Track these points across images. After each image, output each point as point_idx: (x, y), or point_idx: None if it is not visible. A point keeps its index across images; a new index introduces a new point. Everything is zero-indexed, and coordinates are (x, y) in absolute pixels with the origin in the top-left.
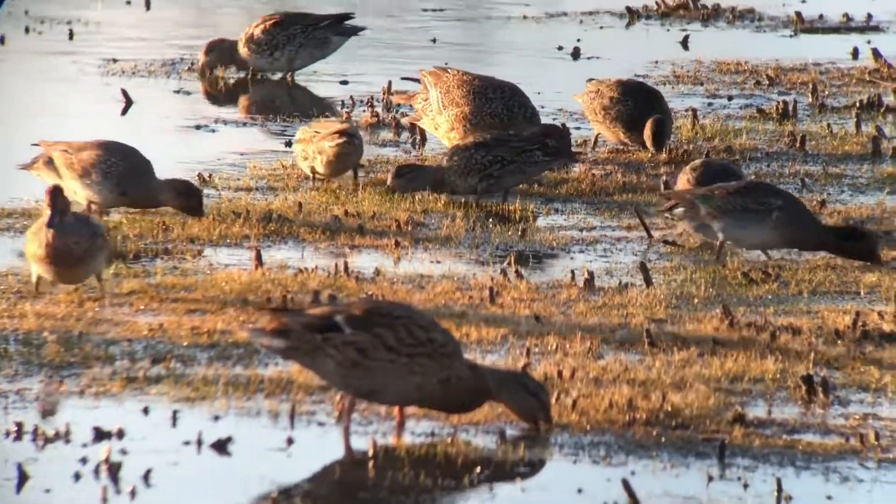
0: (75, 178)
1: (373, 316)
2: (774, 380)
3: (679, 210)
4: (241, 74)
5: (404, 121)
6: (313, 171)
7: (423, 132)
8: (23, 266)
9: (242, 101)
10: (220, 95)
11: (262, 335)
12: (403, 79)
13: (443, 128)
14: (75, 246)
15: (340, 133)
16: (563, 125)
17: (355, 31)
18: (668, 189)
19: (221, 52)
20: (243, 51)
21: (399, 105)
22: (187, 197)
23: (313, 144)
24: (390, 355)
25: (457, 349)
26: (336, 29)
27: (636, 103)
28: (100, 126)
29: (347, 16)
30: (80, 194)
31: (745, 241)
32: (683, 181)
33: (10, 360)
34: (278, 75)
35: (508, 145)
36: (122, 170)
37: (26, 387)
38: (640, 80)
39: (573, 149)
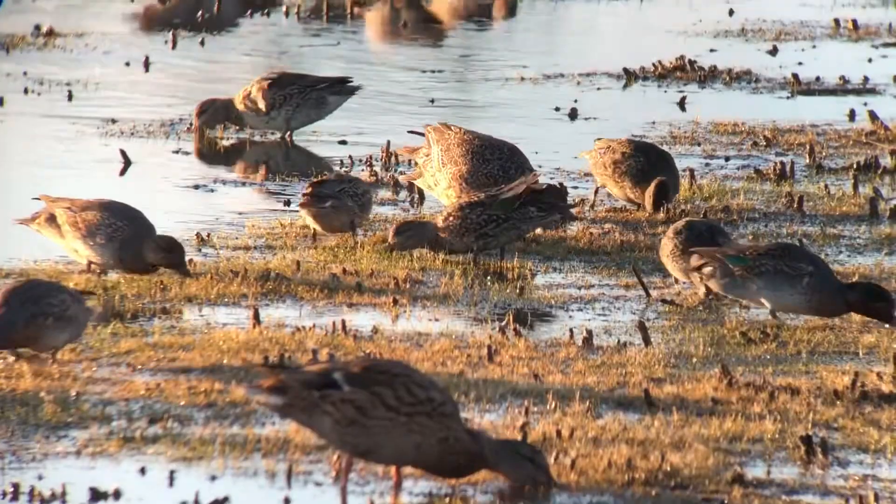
0: (79, 237)
1: (371, 374)
2: (773, 440)
3: (708, 269)
4: (240, 133)
5: (402, 178)
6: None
7: (421, 191)
8: None
9: (241, 160)
10: (218, 155)
11: (259, 392)
12: (409, 132)
13: (441, 185)
14: (33, 334)
15: (305, 194)
16: (561, 184)
17: (352, 91)
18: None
19: (215, 111)
20: (240, 108)
21: (398, 162)
22: (169, 252)
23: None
24: (389, 414)
25: (455, 410)
26: (333, 89)
27: (647, 160)
28: (98, 186)
29: (346, 79)
30: (81, 254)
31: (775, 303)
32: (668, 244)
33: (6, 421)
34: (277, 135)
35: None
36: (126, 235)
37: (23, 447)
38: (648, 140)
39: (569, 206)
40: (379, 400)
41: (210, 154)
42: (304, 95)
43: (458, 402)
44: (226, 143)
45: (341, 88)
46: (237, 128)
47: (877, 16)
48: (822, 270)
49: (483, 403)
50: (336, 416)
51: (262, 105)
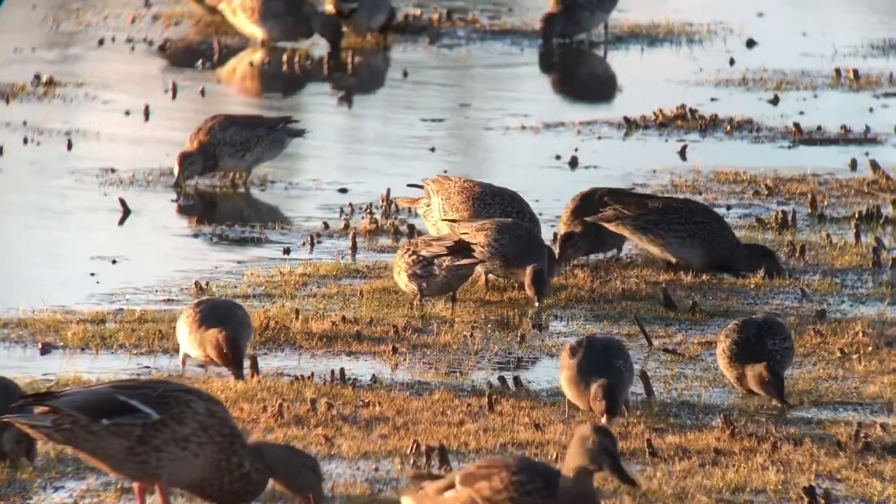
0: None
1: None
2: (776, 491)
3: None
4: (238, 182)
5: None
6: None
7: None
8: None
9: (238, 209)
10: (216, 205)
11: None
12: (409, 185)
13: (443, 232)
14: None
15: None
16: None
17: (301, 133)
18: (667, 298)
19: (200, 162)
20: (218, 151)
21: (398, 210)
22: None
23: None
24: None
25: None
26: (288, 131)
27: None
28: (97, 235)
29: (290, 119)
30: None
31: None
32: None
33: (3, 471)
34: (279, 184)
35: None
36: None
37: (20, 498)
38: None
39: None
40: None
41: (209, 203)
42: (269, 137)
43: (458, 451)
44: (224, 191)
45: (293, 130)
46: (221, 175)
47: (877, 66)
48: None
49: (483, 454)
50: None
51: (238, 147)
